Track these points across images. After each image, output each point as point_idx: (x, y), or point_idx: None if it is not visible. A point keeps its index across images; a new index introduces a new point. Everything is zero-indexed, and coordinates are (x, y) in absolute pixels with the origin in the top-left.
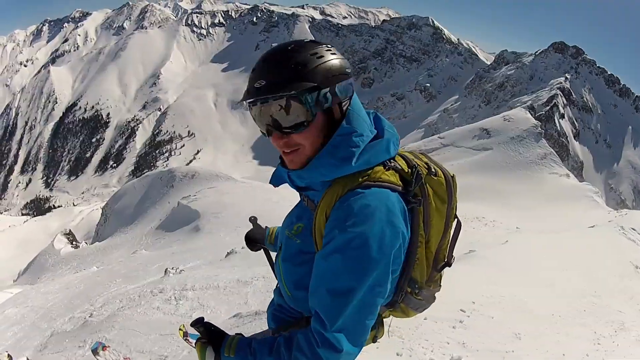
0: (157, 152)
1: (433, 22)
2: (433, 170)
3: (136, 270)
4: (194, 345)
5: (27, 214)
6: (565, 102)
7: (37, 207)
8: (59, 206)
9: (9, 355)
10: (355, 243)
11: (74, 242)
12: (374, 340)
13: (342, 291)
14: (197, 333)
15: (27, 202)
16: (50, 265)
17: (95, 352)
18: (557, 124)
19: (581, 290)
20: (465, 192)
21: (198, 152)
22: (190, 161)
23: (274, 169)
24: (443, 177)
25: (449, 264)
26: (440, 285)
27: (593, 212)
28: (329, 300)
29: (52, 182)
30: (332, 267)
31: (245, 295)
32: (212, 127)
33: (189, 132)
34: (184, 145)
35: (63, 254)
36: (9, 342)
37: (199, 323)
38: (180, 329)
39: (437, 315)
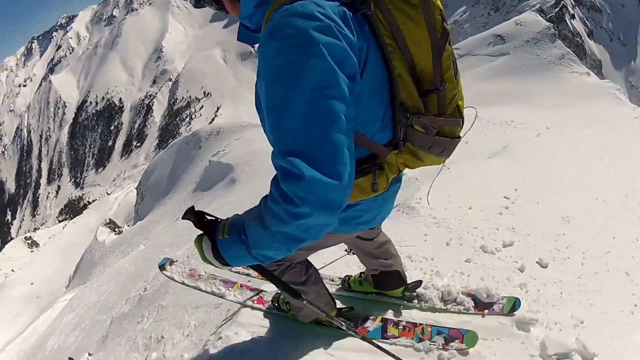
0: (177, 120)
1: None
2: None
3: (181, 235)
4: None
5: (64, 220)
6: (573, 2)
7: (73, 209)
8: (93, 200)
9: (70, 359)
10: (272, 50)
11: (116, 230)
12: (374, 188)
13: (277, 102)
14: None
15: (62, 209)
16: (98, 258)
17: (162, 267)
18: (569, 24)
19: (620, 177)
20: (490, 98)
21: (218, 109)
22: (212, 119)
23: None
24: None
25: (437, 89)
26: (452, 117)
27: (617, 108)
28: (270, 119)
29: (81, 181)
30: (265, 86)
31: None
32: (226, 82)
33: (204, 92)
34: (202, 106)
35: (108, 243)
36: (72, 348)
37: (189, 213)
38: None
39: (482, 204)
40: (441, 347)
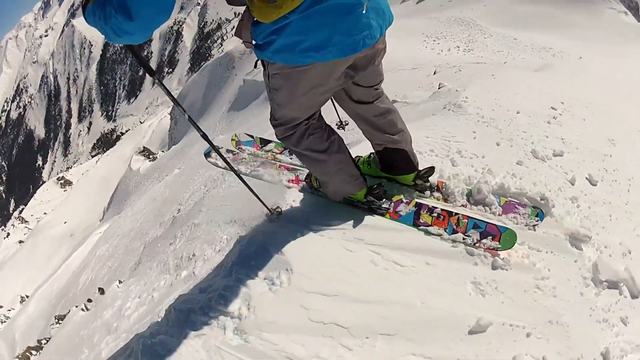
0: (209, 42)
1: None
2: None
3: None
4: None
5: (98, 154)
6: None
7: (105, 143)
8: (126, 131)
9: (100, 289)
10: None
11: (150, 157)
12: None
13: None
14: (250, 139)
15: (94, 144)
16: (133, 187)
17: (207, 155)
18: None
19: None
20: (526, 20)
21: None
22: None
23: None
24: None
25: None
26: None
27: None
28: None
29: (113, 114)
30: None
31: None
32: None
33: (234, 13)
34: (233, 27)
35: (143, 171)
36: (104, 279)
37: None
38: (232, 139)
39: (530, 109)
40: (474, 242)
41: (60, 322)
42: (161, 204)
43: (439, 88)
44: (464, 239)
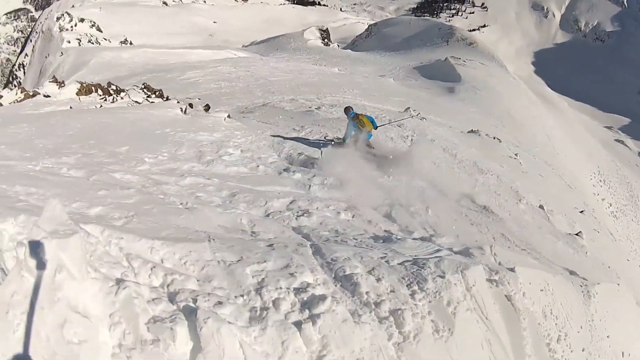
0: (445, 5)
1: None
2: None
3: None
4: None
5: None
6: None
7: None
8: (324, 5)
9: (190, 104)
10: None
11: (325, 40)
12: None
13: None
14: None
15: None
16: (291, 48)
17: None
18: None
19: None
20: None
21: (484, 26)
22: (473, 30)
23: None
24: None
25: None
26: None
27: None
28: None
29: None
30: None
31: None
32: (507, 12)
33: (483, 4)
34: (473, 12)
35: (310, 45)
36: (208, 92)
37: None
38: None
39: None
40: None
41: None
42: (302, 83)
43: None
44: None
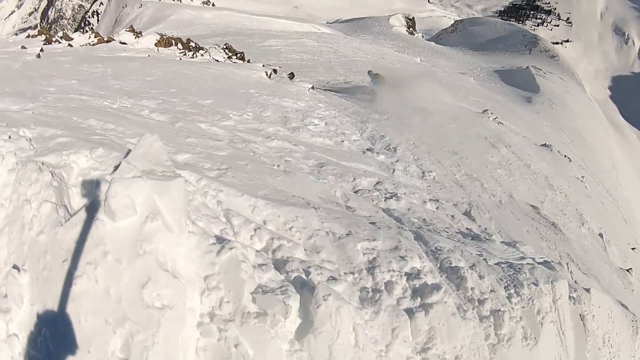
0: (531, 13)
1: None
2: None
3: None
4: None
5: None
6: None
7: None
8: None
9: (274, 70)
10: None
11: (410, 28)
12: None
13: None
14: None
15: None
16: (375, 32)
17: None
18: None
19: None
20: None
21: (567, 40)
22: (556, 43)
23: None
24: None
25: None
26: None
27: None
28: None
29: None
30: None
31: None
32: (590, 31)
33: (568, 19)
34: (558, 25)
35: (394, 31)
36: (290, 62)
37: None
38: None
39: None
40: None
41: None
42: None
43: None
44: None
